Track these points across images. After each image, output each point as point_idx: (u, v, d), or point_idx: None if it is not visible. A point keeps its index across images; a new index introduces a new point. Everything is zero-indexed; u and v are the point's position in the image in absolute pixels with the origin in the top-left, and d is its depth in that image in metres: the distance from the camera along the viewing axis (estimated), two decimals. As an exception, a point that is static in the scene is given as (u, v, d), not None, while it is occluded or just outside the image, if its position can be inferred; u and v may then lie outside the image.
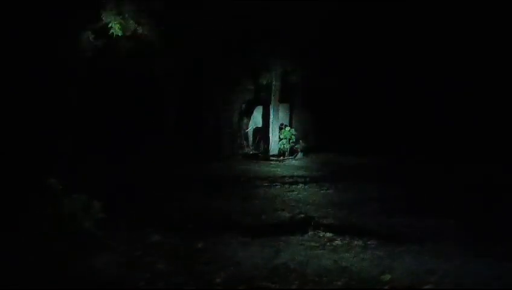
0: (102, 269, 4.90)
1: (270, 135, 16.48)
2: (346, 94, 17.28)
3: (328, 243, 5.72)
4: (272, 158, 15.58)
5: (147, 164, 12.66)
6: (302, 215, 7.40)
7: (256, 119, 17.44)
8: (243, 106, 17.77)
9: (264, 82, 16.87)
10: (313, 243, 5.73)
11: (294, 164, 14.66)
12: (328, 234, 5.98)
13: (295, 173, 12.36)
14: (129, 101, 15.54)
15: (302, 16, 14.71)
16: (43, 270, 4.78)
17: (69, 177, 5.98)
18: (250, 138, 17.51)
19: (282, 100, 16.89)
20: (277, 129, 16.47)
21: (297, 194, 9.33)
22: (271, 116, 16.52)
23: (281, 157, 15.75)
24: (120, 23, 12.08)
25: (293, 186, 10.11)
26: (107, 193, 6.75)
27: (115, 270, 4.87)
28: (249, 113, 17.64)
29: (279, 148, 16.29)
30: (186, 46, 14.51)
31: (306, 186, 10.08)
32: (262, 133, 17.25)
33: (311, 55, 15.87)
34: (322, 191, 9.62)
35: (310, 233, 6.05)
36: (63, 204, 5.16)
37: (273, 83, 16.43)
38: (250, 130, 17.49)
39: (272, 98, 16.53)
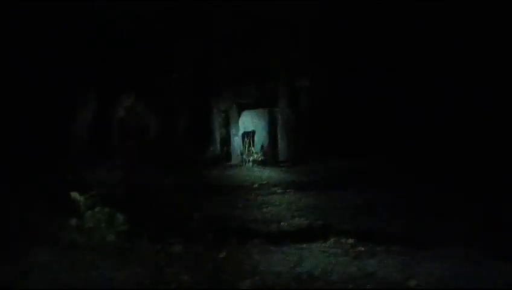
0: (126, 281, 4.90)
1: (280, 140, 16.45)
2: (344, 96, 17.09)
3: (351, 250, 5.70)
4: (281, 164, 15.54)
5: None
6: (320, 222, 7.40)
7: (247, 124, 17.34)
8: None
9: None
10: (335, 250, 5.72)
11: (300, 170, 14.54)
12: (350, 241, 5.97)
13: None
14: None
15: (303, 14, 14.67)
16: (66, 282, 4.80)
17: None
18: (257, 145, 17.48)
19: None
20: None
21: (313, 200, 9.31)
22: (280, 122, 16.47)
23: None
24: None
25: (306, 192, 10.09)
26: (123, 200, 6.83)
27: (140, 282, 4.87)
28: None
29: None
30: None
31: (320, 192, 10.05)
32: (265, 138, 17.23)
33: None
34: (335, 196, 9.57)
35: (331, 240, 6.03)
36: (86, 217, 5.18)
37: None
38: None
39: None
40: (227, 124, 17.12)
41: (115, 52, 14.76)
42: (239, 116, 16.69)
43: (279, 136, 16.58)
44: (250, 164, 15.17)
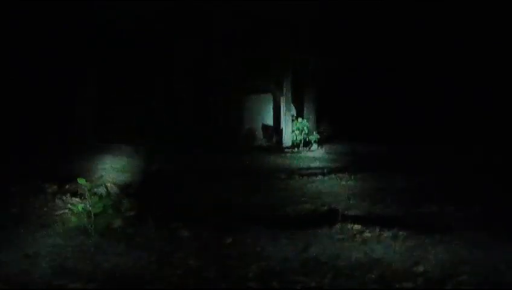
0: (133, 266, 4.91)
1: (283, 126, 16.45)
2: (357, 82, 17.16)
3: (358, 235, 5.69)
4: (286, 150, 15.57)
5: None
6: (326, 207, 7.38)
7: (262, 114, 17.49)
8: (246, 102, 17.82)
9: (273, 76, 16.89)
10: (341, 236, 5.71)
11: (310, 155, 14.61)
12: (357, 226, 5.95)
13: (312, 165, 12.33)
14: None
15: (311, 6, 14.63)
16: (73, 266, 4.82)
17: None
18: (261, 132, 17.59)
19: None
20: (290, 121, 16.43)
21: (318, 186, 9.30)
22: (283, 109, 16.51)
23: (295, 149, 15.71)
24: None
25: (312, 177, 10.08)
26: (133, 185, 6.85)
27: (147, 267, 4.88)
28: (250, 109, 17.64)
29: (293, 140, 16.26)
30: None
31: (325, 178, 10.04)
32: (271, 126, 17.28)
33: (322, 44, 15.78)
34: (342, 183, 9.57)
35: (337, 225, 6.02)
36: (93, 202, 5.18)
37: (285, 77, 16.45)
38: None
39: (284, 89, 16.52)
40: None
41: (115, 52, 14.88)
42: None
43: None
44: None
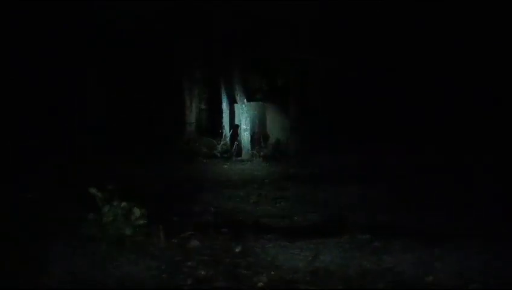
0: (143, 276, 4.92)
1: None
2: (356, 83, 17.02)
3: (366, 245, 5.71)
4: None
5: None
6: (335, 216, 7.41)
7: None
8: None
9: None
10: (351, 245, 5.72)
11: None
12: (365, 236, 5.97)
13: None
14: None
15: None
16: (84, 275, 4.83)
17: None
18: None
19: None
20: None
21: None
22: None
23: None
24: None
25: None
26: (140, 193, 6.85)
27: (157, 277, 4.89)
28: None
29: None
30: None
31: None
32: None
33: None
34: (346, 190, 9.58)
35: (346, 235, 6.04)
36: (104, 212, 5.21)
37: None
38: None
39: None
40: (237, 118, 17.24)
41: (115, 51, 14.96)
42: (247, 110, 16.69)
43: (287, 131, 16.69)
44: (260, 159, 15.22)
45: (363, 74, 16.41)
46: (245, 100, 16.42)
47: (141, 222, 5.42)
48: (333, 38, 15.37)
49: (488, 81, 15.32)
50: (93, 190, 5.27)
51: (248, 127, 16.28)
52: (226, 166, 14.11)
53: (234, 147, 16.49)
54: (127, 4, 13.79)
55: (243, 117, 16.37)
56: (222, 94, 17.65)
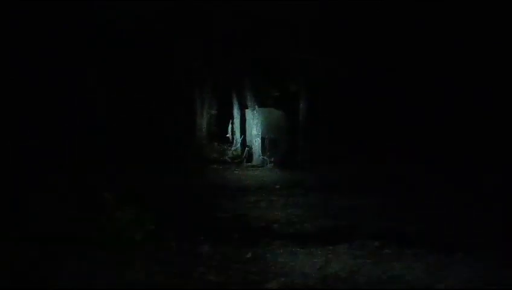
0: (153, 280, 4.95)
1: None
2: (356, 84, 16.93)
3: (377, 252, 5.70)
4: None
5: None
6: (345, 223, 7.40)
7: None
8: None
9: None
10: (361, 252, 5.72)
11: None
12: (376, 243, 5.96)
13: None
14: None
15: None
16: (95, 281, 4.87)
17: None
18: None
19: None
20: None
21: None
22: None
23: None
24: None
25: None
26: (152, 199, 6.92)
27: (167, 282, 4.92)
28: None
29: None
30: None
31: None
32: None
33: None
34: (356, 198, 9.55)
35: (357, 242, 6.03)
36: (116, 217, 5.26)
37: None
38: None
39: None
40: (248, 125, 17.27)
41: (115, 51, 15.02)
42: (258, 116, 16.70)
43: (298, 138, 16.66)
44: (271, 165, 15.24)
45: (362, 74, 16.32)
46: (256, 106, 16.44)
47: (152, 227, 5.46)
48: (333, 38, 15.32)
49: (488, 81, 15.23)
50: (106, 195, 5.32)
51: (259, 133, 16.28)
52: (236, 172, 14.16)
53: (245, 153, 16.53)
54: (127, 4, 13.83)
55: (254, 123, 16.39)
56: (233, 100, 17.72)
